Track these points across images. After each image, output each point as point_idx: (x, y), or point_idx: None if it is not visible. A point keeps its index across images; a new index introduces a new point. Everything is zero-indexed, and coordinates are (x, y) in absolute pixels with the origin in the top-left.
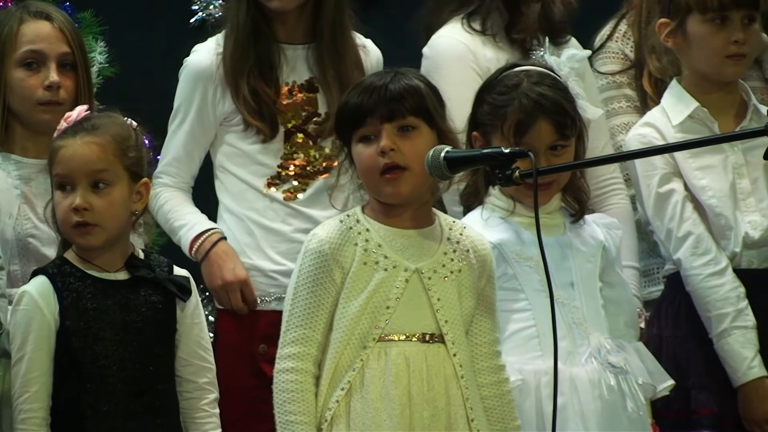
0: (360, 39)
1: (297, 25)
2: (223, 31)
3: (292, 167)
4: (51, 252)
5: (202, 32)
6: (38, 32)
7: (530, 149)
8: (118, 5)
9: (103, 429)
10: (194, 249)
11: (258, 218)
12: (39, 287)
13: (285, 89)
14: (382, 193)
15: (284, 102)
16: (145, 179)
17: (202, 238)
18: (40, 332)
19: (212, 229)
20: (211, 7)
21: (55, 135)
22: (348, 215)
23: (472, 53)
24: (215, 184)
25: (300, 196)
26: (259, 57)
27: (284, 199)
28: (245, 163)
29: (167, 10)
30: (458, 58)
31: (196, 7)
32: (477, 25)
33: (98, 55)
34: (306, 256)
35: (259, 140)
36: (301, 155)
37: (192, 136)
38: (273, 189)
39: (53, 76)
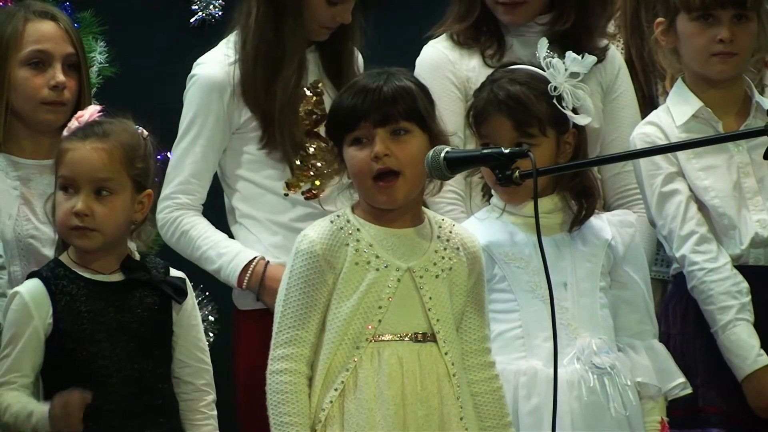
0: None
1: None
2: (234, 43)
3: (310, 168)
4: (52, 253)
5: (202, 32)
6: (44, 32)
7: (491, 142)
8: (118, 5)
9: (105, 428)
10: (245, 280)
11: (280, 219)
12: (32, 291)
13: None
14: (375, 200)
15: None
16: (148, 190)
17: (250, 269)
18: (29, 337)
19: (256, 258)
20: (211, 7)
21: (64, 133)
22: (338, 216)
23: (452, 63)
24: (228, 193)
25: (320, 195)
26: (282, 71)
27: (305, 198)
28: (260, 168)
29: (167, 10)
30: (435, 66)
31: (196, 7)
32: (465, 38)
33: (98, 55)
34: (297, 257)
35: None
36: (318, 156)
37: (212, 149)
38: (292, 191)
39: (59, 76)
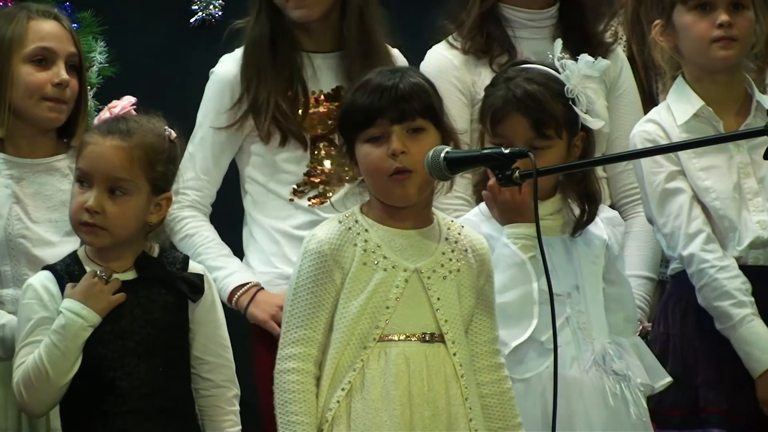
0: (388, 48)
1: (324, 33)
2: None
3: (319, 174)
4: (42, 253)
5: (202, 32)
6: (49, 30)
7: (506, 142)
8: (118, 5)
9: (115, 429)
10: (234, 299)
11: (282, 226)
12: (44, 283)
13: (312, 98)
14: (390, 196)
15: (311, 111)
16: (168, 194)
17: (242, 290)
18: (45, 327)
19: (250, 282)
20: (211, 7)
21: (95, 122)
22: (347, 215)
23: (456, 68)
24: (243, 195)
25: (326, 202)
26: (278, 69)
27: (309, 205)
28: (271, 172)
29: (167, 10)
30: (439, 72)
31: (196, 7)
32: (461, 44)
33: (98, 55)
34: (305, 257)
35: (284, 149)
36: (328, 163)
37: (221, 146)
38: (298, 197)
39: (63, 74)
